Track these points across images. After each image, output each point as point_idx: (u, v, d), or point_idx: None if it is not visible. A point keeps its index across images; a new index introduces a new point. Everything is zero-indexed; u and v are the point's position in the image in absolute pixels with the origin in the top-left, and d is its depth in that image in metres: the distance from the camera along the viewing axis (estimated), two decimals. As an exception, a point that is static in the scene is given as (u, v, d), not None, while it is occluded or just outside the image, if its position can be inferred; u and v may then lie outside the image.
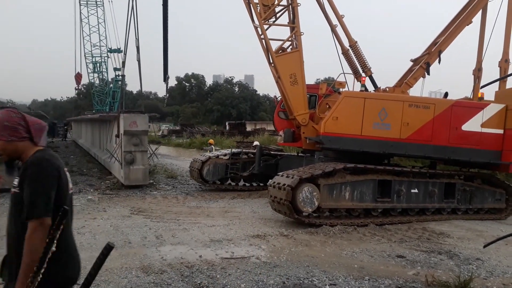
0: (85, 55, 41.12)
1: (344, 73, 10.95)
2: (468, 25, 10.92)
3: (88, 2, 40.02)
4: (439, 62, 11.02)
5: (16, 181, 2.43)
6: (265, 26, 10.56)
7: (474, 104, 10.12)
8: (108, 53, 41.81)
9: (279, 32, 10.90)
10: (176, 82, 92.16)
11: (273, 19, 10.91)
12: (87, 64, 41.73)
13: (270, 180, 9.11)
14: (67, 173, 2.55)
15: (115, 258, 6.03)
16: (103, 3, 40.60)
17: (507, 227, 9.76)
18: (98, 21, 40.55)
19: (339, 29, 11.37)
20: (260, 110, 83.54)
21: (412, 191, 9.68)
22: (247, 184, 13.46)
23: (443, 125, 9.72)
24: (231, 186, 13.23)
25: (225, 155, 13.34)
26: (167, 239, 7.28)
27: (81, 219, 8.56)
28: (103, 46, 41.48)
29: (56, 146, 29.61)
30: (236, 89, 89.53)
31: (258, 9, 10.49)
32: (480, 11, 10.99)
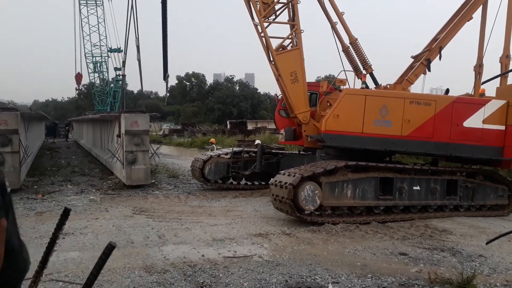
0: (85, 55, 41.17)
1: (344, 71, 10.92)
2: (468, 21, 10.87)
3: (88, 2, 40.02)
4: (439, 58, 10.98)
5: None
6: (265, 24, 10.53)
7: (475, 101, 10.09)
8: (108, 53, 41.83)
9: (279, 30, 10.87)
10: (176, 81, 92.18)
11: (273, 16, 10.88)
12: (88, 64, 41.76)
13: (271, 179, 9.12)
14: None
15: (118, 258, 6.04)
16: (102, 2, 40.61)
17: (509, 223, 9.75)
18: (98, 21, 40.56)
19: (339, 27, 11.35)
20: (261, 109, 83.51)
21: (414, 188, 9.66)
22: (248, 183, 13.46)
23: (444, 122, 9.69)
24: (233, 185, 13.23)
25: (226, 154, 13.33)
26: (170, 239, 7.28)
27: (84, 219, 8.57)
28: (103, 45, 41.50)
29: (57, 147, 29.67)
30: (237, 88, 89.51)
31: (258, 7, 10.47)
32: (481, 7, 10.95)
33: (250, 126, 47.90)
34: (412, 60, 11.79)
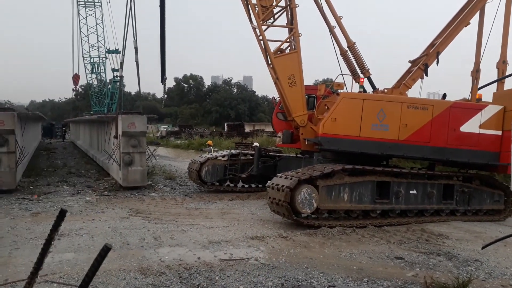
0: (83, 56, 41.17)
1: (342, 74, 10.97)
2: (466, 26, 10.95)
3: (86, 3, 40.07)
4: (437, 63, 11.04)
5: None
6: (264, 27, 10.57)
7: (472, 106, 10.14)
8: (106, 54, 41.84)
9: (277, 33, 10.90)
10: (174, 83, 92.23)
11: (272, 20, 10.92)
12: (85, 65, 41.78)
13: (268, 182, 9.10)
14: None
15: (113, 260, 6.01)
16: (101, 3, 40.70)
17: (505, 228, 9.77)
18: (96, 22, 40.63)
19: (337, 31, 11.39)
20: (259, 111, 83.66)
21: (411, 192, 9.68)
22: (245, 186, 13.45)
23: (441, 127, 9.73)
24: (230, 188, 13.22)
25: (223, 156, 13.32)
26: (166, 241, 7.25)
27: (79, 220, 8.53)
28: (101, 47, 41.56)
29: (54, 148, 29.57)
30: (235, 90, 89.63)
31: (257, 10, 10.50)
32: (478, 13, 11.03)
33: (247, 129, 47.95)
34: (409, 64, 11.85)
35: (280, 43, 10.71)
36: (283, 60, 10.51)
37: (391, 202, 9.46)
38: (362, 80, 11.02)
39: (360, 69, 11.40)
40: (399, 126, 9.65)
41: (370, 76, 11.40)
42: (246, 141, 30.44)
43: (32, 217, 8.74)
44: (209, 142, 24.46)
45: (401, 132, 9.67)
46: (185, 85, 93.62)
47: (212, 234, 7.83)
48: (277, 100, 12.04)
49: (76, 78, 41.20)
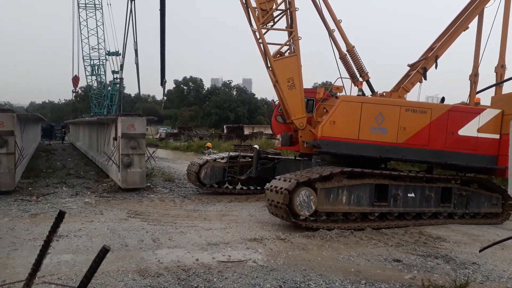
0: (83, 58, 41.21)
1: (341, 78, 11.01)
2: (464, 30, 11.00)
3: (87, 5, 40.14)
4: (435, 67, 11.08)
5: None
6: (263, 31, 10.61)
7: (470, 109, 10.18)
8: (106, 56, 41.88)
9: (277, 37, 10.96)
10: (174, 86, 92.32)
11: (271, 23, 10.97)
12: (85, 66, 41.80)
13: (267, 184, 9.12)
14: None
15: (112, 261, 6.02)
16: (101, 6, 40.77)
17: (503, 231, 9.80)
18: (96, 24, 40.68)
19: (337, 34, 11.43)
20: (258, 114, 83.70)
21: (409, 195, 9.71)
22: (244, 188, 13.46)
23: (439, 130, 9.77)
24: (229, 190, 13.23)
25: (222, 158, 13.34)
26: (164, 242, 7.26)
27: (78, 222, 8.54)
28: (101, 49, 41.59)
29: (53, 149, 29.56)
30: (234, 93, 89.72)
31: (256, 13, 10.55)
32: (477, 17, 11.08)
33: (246, 131, 48.00)
34: (408, 68, 11.89)
35: (279, 46, 10.76)
36: (283, 63, 10.56)
37: (389, 205, 9.49)
38: (361, 83, 11.07)
39: (359, 73, 11.44)
40: (397, 129, 9.69)
41: (369, 79, 11.44)
42: (245, 144, 30.45)
43: (31, 218, 8.75)
44: (208, 144, 24.49)
45: (399, 135, 9.70)
46: (185, 87, 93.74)
47: (211, 236, 7.85)
48: (277, 102, 12.08)
49: (75, 79, 41.21)
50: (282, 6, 10.75)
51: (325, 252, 7.15)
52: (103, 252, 2.34)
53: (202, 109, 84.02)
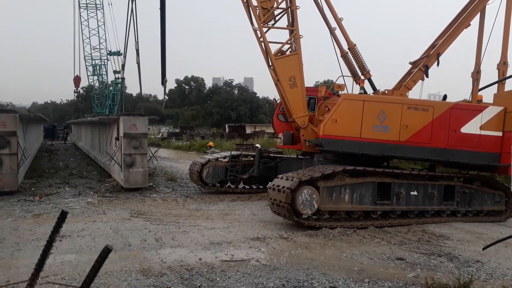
0: (84, 58, 41.32)
1: (343, 76, 10.98)
2: (466, 28, 10.95)
3: (88, 5, 40.20)
4: (437, 64, 11.04)
5: None
6: (264, 29, 10.59)
7: (473, 107, 10.14)
8: (108, 56, 41.95)
9: (278, 35, 10.93)
10: (175, 85, 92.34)
11: (272, 22, 10.94)
12: (87, 66, 41.90)
13: (269, 183, 9.11)
14: None
15: (115, 261, 6.03)
16: (103, 6, 40.82)
17: (506, 229, 9.76)
18: (98, 24, 40.76)
19: (338, 32, 11.41)
20: (260, 113, 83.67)
21: (412, 193, 9.68)
22: (246, 187, 13.46)
23: (442, 128, 9.74)
24: (231, 189, 13.23)
25: (224, 157, 13.34)
26: (167, 242, 7.27)
27: (81, 222, 8.56)
28: (102, 48, 41.67)
29: (56, 149, 29.64)
30: (236, 92, 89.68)
31: (258, 12, 10.53)
32: (479, 14, 11.03)
33: (248, 130, 47.97)
34: (410, 66, 11.86)
35: (281, 44, 10.74)
36: (284, 62, 10.54)
37: (392, 203, 9.46)
38: (362, 81, 11.04)
39: (360, 71, 11.42)
40: (399, 127, 9.66)
41: (371, 77, 11.42)
42: (247, 143, 30.43)
43: (34, 218, 8.77)
44: (210, 143, 24.54)
45: (401, 133, 9.68)
46: (186, 86, 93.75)
47: (213, 235, 7.85)
48: (278, 101, 12.06)
49: (77, 80, 41.31)
50: (283, 5, 10.73)
51: (328, 250, 7.14)
52: (106, 252, 2.34)
53: (204, 109, 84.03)
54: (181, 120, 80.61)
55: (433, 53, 11.01)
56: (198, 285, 5.29)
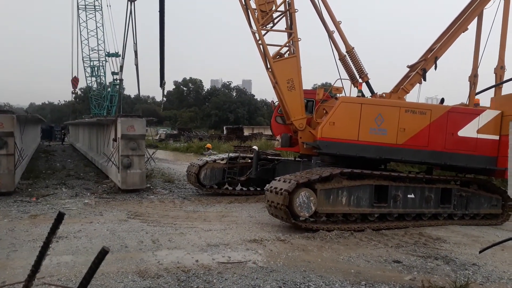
0: (83, 59, 41.22)
1: (341, 79, 11.02)
2: (464, 32, 11.01)
3: (87, 7, 40.16)
4: (435, 68, 11.09)
5: None
6: (263, 32, 10.62)
7: (470, 110, 10.19)
8: (106, 57, 41.90)
9: (276, 38, 10.98)
10: (174, 87, 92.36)
11: (271, 24, 10.97)
12: (85, 68, 41.81)
13: (267, 185, 9.12)
14: None
15: (111, 262, 6.02)
16: (101, 7, 40.78)
17: (503, 232, 9.80)
18: (96, 25, 40.69)
19: (336, 36, 11.44)
20: (258, 115, 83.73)
21: (409, 196, 9.70)
22: (244, 189, 13.46)
23: (439, 131, 9.78)
24: (228, 191, 13.23)
25: (222, 159, 13.34)
26: (164, 244, 7.26)
27: (78, 223, 8.54)
28: (101, 50, 41.60)
29: (53, 150, 29.55)
30: (234, 94, 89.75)
31: (256, 15, 10.56)
32: (476, 18, 11.09)
33: (246, 132, 47.95)
34: (408, 69, 11.90)
35: (279, 47, 10.76)
36: (282, 65, 10.56)
37: (389, 206, 9.48)
38: (360, 84, 11.08)
39: (358, 74, 11.44)
40: (397, 130, 9.70)
41: (369, 80, 11.44)
42: (245, 145, 30.45)
43: (31, 219, 8.74)
44: (208, 145, 24.51)
45: (399, 136, 9.71)
46: (185, 88, 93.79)
47: (211, 237, 7.84)
48: (276, 104, 12.08)
49: (75, 81, 41.23)
50: (282, 8, 10.76)
51: (325, 253, 7.15)
52: (102, 253, 2.33)
53: (202, 110, 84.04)
54: (179, 122, 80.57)
55: (431, 57, 11.06)
56: (195, 287, 5.28)
